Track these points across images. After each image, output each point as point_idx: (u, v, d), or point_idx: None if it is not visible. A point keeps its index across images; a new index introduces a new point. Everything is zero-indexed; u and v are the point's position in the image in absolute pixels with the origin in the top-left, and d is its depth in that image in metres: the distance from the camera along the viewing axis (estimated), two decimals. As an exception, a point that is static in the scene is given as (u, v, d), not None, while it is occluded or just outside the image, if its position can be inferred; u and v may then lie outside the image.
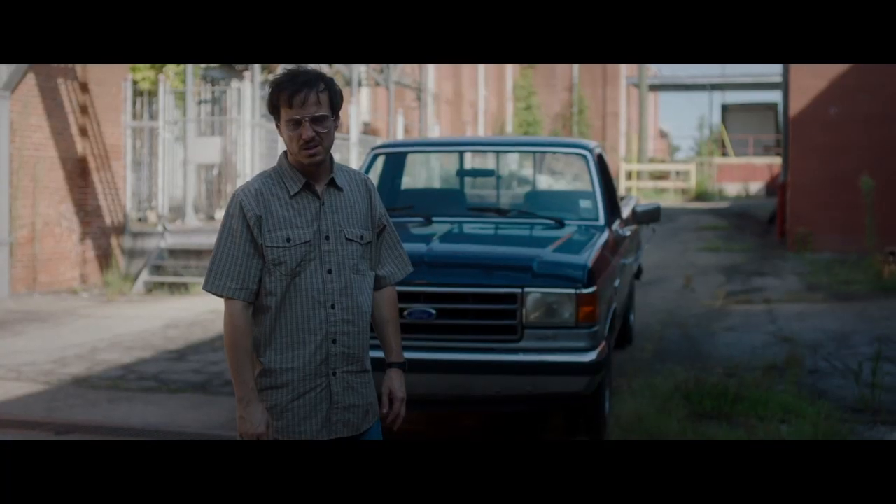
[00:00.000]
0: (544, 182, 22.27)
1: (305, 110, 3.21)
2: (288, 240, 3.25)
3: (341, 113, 3.36)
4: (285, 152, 3.34)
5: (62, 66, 13.97)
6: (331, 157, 3.35)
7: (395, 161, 8.24)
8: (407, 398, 3.50)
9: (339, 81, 3.83)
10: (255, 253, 3.26)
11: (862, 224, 15.61)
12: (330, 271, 3.27)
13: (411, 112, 27.27)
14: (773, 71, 39.47)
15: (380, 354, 3.51)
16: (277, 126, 3.30)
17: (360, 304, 3.33)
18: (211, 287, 3.29)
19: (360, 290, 3.34)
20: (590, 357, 5.78)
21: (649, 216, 8.18)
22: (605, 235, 6.84)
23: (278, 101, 3.24)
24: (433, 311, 5.80)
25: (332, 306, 3.27)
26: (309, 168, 3.28)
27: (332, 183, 3.32)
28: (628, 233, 8.05)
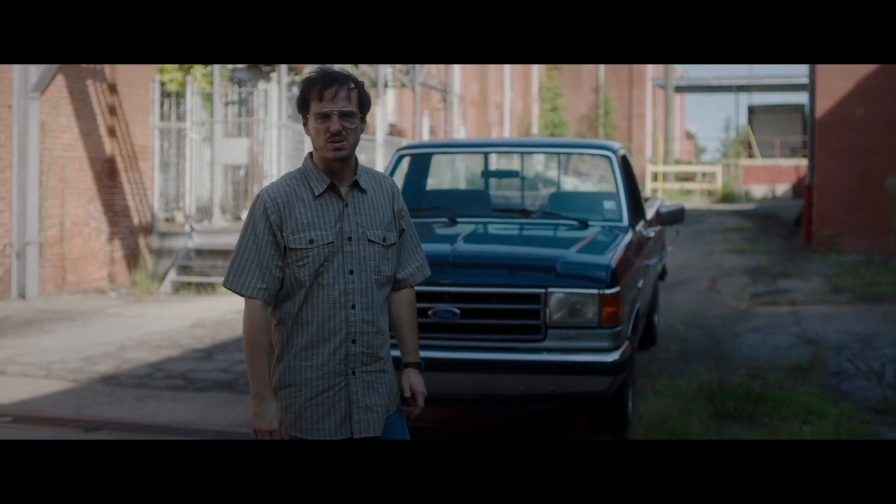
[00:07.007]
0: (569, 183, 22.28)
1: (335, 104, 3.26)
2: (311, 241, 3.28)
3: (367, 114, 3.41)
4: (311, 154, 3.39)
5: (91, 67, 14.10)
6: (356, 160, 3.40)
7: (420, 162, 8.30)
8: (430, 397, 3.55)
9: (365, 83, 3.91)
10: (277, 254, 3.29)
11: (888, 226, 15.52)
12: (352, 272, 3.31)
13: (437, 113, 27.33)
14: (799, 72, 39.28)
15: (396, 353, 3.56)
16: (305, 123, 3.34)
17: (380, 304, 3.37)
18: (231, 284, 3.32)
19: (381, 291, 3.38)
20: (612, 357, 5.82)
21: (673, 217, 8.21)
22: (628, 236, 6.87)
23: (309, 94, 3.29)
24: (457, 311, 5.84)
25: (353, 306, 3.31)
26: (333, 166, 3.32)
27: (355, 185, 3.36)
28: (652, 234, 8.08)
